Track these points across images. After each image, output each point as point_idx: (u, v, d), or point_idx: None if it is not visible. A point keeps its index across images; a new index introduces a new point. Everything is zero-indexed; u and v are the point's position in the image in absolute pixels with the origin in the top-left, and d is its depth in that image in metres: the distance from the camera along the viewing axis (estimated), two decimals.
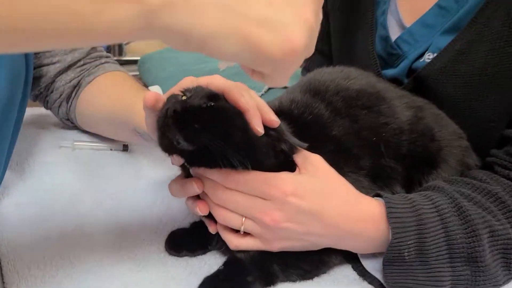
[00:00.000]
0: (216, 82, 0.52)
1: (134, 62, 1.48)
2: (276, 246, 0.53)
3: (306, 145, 0.54)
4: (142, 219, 0.64)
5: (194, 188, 0.52)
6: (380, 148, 0.59)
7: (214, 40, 0.36)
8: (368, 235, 0.52)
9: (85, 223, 0.62)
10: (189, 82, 0.55)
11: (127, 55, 1.65)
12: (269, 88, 1.05)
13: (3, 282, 0.52)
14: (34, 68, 0.78)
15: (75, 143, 0.82)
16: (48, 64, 0.79)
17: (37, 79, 0.80)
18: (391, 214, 0.51)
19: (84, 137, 0.86)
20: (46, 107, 0.85)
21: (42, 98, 0.83)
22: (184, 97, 0.52)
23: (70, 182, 0.71)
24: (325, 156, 0.56)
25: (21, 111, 0.68)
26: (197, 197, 0.55)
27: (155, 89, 1.14)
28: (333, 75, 0.67)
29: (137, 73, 1.41)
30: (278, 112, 0.62)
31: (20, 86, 0.65)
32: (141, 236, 0.61)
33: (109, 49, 1.59)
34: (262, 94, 1.03)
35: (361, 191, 0.56)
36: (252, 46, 0.36)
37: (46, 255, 0.55)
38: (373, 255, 0.55)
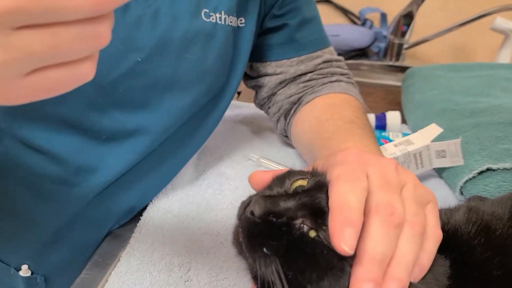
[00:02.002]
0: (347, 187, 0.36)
1: None
2: None
3: None
4: None
5: None
6: None
7: None
8: None
9: (205, 259, 0.58)
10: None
11: (405, 60, 1.46)
12: None
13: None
14: (259, 76, 0.77)
15: (260, 160, 0.78)
16: (271, 74, 0.75)
17: (259, 87, 0.78)
18: None
19: (276, 155, 0.81)
20: (269, 118, 0.81)
21: (265, 109, 0.80)
22: (298, 184, 0.39)
23: (223, 204, 0.68)
24: None
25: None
26: None
27: (393, 115, 0.96)
28: None
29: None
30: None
31: (226, 70, 0.67)
32: None
33: (386, 51, 1.44)
34: None
35: None
36: None
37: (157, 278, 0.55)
38: None
